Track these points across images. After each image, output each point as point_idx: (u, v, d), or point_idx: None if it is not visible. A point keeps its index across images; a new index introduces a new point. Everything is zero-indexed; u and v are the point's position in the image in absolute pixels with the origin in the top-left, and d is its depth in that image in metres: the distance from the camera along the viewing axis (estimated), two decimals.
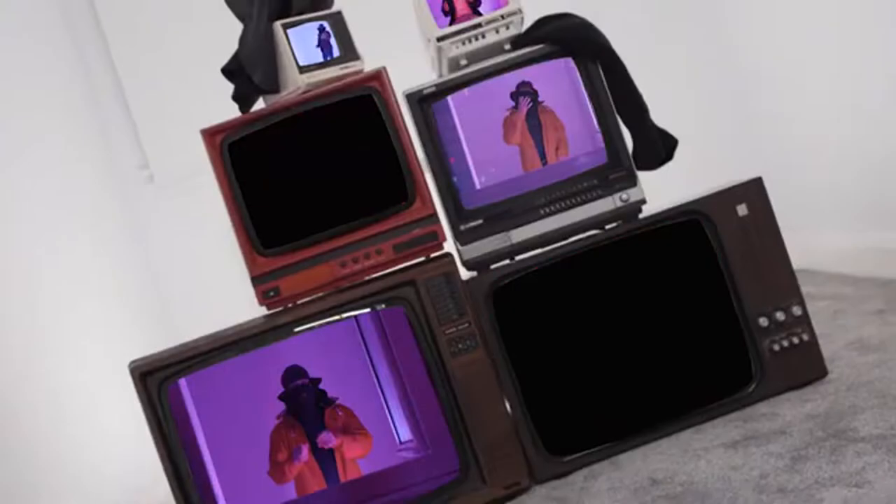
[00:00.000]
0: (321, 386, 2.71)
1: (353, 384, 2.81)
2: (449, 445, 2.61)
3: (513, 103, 2.84)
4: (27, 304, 2.93)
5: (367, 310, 2.57)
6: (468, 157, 2.79)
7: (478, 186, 2.78)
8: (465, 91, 2.72)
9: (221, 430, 2.68)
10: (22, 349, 2.80)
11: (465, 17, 2.81)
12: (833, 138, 3.78)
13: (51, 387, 2.95)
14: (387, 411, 2.82)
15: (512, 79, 2.81)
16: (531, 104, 2.83)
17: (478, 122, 2.82)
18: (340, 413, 2.71)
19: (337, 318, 2.57)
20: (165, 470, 2.46)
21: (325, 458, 2.70)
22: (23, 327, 2.85)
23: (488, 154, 2.82)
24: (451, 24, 2.80)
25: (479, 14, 2.81)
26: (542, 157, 2.84)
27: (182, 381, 2.60)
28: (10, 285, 2.83)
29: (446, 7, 2.82)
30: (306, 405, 2.69)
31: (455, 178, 2.73)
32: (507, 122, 2.85)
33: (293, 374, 2.70)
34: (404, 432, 2.82)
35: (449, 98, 2.74)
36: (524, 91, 2.83)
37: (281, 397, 2.70)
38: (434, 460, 2.67)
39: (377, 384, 2.83)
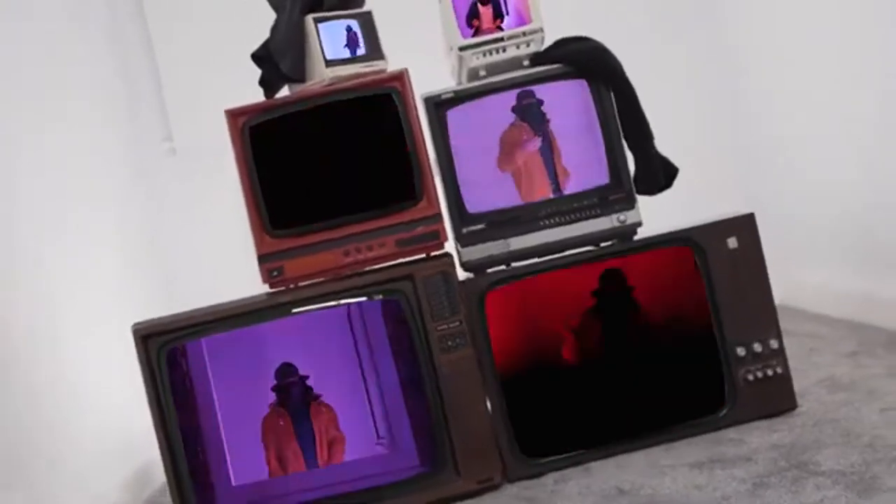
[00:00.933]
0: (309, 382, 2.78)
1: (342, 379, 2.85)
2: (411, 446, 2.65)
3: (513, 117, 2.81)
4: (36, 261, 2.92)
5: (364, 298, 2.59)
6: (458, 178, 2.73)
7: (468, 211, 2.73)
8: (464, 106, 2.70)
9: (233, 392, 2.77)
10: (28, 308, 2.80)
11: (489, 31, 2.81)
12: (829, 181, 3.77)
13: (55, 345, 2.94)
14: (368, 406, 2.84)
15: (511, 95, 2.78)
16: (542, 143, 2.78)
17: (473, 140, 2.77)
18: (323, 409, 2.79)
19: (334, 303, 2.59)
20: (156, 430, 2.48)
21: (307, 443, 2.77)
22: (29, 285, 2.84)
23: (481, 177, 2.78)
24: (474, 35, 2.80)
25: (503, 29, 2.82)
26: (554, 181, 2.80)
27: (203, 341, 2.67)
28: (20, 243, 2.81)
29: (472, 19, 2.82)
30: (294, 400, 2.76)
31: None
32: (504, 142, 2.80)
33: (285, 371, 2.78)
34: (382, 427, 2.84)
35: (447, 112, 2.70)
36: (527, 103, 2.78)
37: (273, 389, 2.77)
38: (396, 457, 2.72)
39: (363, 380, 2.85)
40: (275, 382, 2.76)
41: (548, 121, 2.81)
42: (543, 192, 2.79)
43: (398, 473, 2.63)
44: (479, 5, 2.82)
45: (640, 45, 4.22)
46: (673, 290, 2.77)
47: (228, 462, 2.72)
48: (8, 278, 2.67)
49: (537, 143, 2.78)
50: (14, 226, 2.78)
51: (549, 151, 2.81)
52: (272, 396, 2.77)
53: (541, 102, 2.79)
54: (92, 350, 3.20)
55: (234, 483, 2.72)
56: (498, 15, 2.84)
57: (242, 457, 2.74)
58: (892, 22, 3.12)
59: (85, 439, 3.01)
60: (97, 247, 3.52)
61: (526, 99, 2.79)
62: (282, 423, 2.74)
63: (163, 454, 2.47)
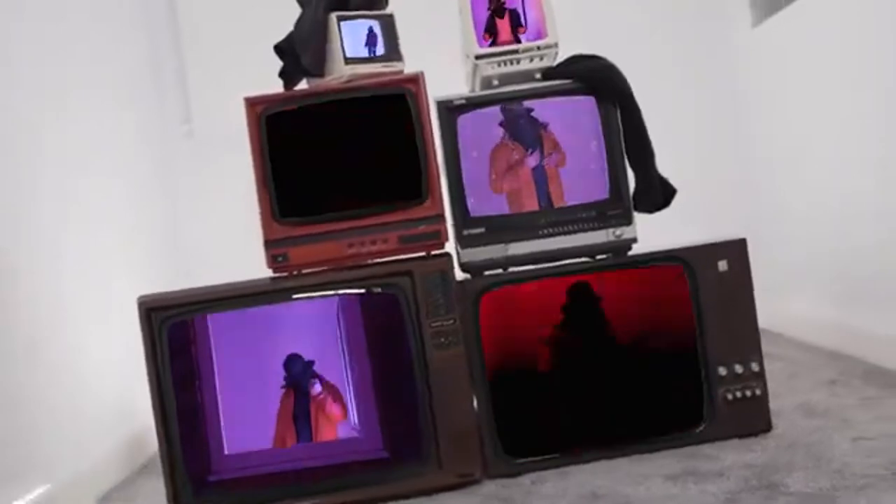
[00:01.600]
0: (314, 367, 2.83)
1: (331, 366, 2.88)
2: (394, 436, 2.68)
3: (502, 131, 2.79)
4: (43, 231, 2.93)
5: (362, 290, 2.61)
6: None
7: (471, 214, 2.74)
8: (475, 112, 2.71)
9: (233, 366, 2.80)
10: (33, 276, 2.80)
11: (506, 42, 2.82)
12: (826, 213, 3.77)
13: (58, 312, 2.95)
14: (351, 394, 2.88)
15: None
16: (539, 163, 2.77)
17: (481, 146, 2.76)
18: (324, 389, 2.83)
19: (332, 292, 2.62)
20: (153, 401, 2.50)
21: (303, 421, 2.81)
22: (35, 255, 2.84)
23: (485, 182, 2.78)
24: (491, 45, 2.81)
25: (519, 41, 2.82)
26: (545, 196, 2.79)
27: (207, 316, 2.71)
28: (28, 215, 2.82)
29: (489, 31, 2.82)
30: (298, 383, 2.82)
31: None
32: (496, 161, 2.78)
33: (293, 362, 2.82)
34: (365, 415, 2.87)
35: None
36: (516, 117, 2.75)
37: (284, 378, 2.83)
38: (376, 444, 2.74)
39: (346, 369, 2.89)
40: (283, 372, 2.81)
41: (542, 125, 2.80)
42: (531, 205, 2.79)
43: (378, 460, 2.65)
44: (495, 19, 2.83)
45: (640, 46, 4.21)
46: (653, 305, 2.78)
47: (223, 432, 2.76)
48: (14, 247, 2.68)
49: (535, 159, 2.78)
50: (25, 195, 2.79)
51: (542, 167, 2.80)
52: (274, 375, 2.81)
53: (530, 110, 2.78)
54: (94, 319, 3.22)
55: (226, 452, 2.76)
56: (516, 25, 2.85)
57: (238, 427, 2.78)
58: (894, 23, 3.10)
59: (85, 405, 3.02)
60: (107, 222, 3.53)
61: (514, 112, 2.77)
62: (287, 402, 2.80)
63: (157, 422, 2.48)
